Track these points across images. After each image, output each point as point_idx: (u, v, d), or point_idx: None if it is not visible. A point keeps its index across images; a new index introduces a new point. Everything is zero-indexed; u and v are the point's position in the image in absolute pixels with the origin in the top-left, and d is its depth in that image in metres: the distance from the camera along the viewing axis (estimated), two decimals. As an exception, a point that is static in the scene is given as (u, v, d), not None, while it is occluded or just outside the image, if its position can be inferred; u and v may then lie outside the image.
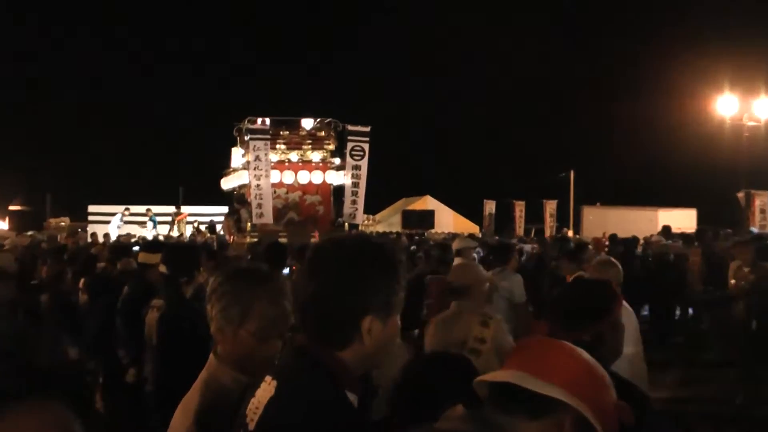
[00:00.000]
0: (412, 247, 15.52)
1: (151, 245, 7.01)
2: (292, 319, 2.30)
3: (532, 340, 1.77)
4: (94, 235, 22.11)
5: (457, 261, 9.44)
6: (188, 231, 26.46)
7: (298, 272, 1.90)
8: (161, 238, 22.70)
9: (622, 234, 17.05)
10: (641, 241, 16.49)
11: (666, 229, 16.45)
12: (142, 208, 27.36)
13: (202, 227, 25.98)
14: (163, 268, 5.06)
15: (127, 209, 26.94)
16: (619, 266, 5.46)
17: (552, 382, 1.56)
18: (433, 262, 8.99)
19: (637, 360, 4.53)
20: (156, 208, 29.68)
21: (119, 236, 22.60)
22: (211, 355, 2.43)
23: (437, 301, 7.34)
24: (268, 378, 1.84)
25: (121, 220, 26.38)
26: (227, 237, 20.48)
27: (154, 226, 25.93)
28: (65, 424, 1.12)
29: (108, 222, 27.04)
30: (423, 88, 56.82)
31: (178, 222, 27.18)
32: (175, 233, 26.09)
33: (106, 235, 22.33)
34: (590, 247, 10.53)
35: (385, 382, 2.33)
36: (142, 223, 26.87)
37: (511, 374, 1.59)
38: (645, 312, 13.79)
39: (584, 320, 2.68)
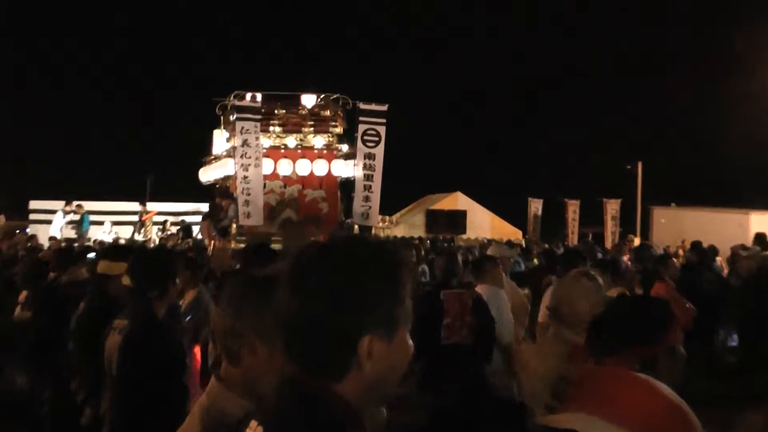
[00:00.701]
0: (430, 256, 15.44)
1: (114, 251, 6.95)
2: None
3: (601, 371, 1.80)
4: (33, 237, 22.08)
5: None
6: (155, 233, 26.50)
7: (279, 285, 1.87)
8: (122, 241, 22.72)
9: (705, 243, 16.92)
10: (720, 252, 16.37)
11: (760, 237, 16.32)
12: (96, 205, 27.39)
13: (174, 229, 26.00)
14: (127, 280, 5.01)
15: (68, 204, 26.88)
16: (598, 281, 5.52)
17: (627, 427, 1.58)
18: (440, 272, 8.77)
19: None
20: (117, 205, 29.74)
21: (52, 239, 22.52)
22: (213, 380, 2.51)
23: (457, 320, 7.51)
24: (253, 423, 1.84)
25: (65, 218, 26.38)
26: (206, 241, 20.46)
27: (85, 227, 25.74)
28: None
29: (47, 222, 27.11)
30: (452, 58, 56.77)
31: (145, 222, 27.24)
32: (140, 236, 26.14)
33: (52, 239, 22.36)
34: (674, 261, 10.44)
35: None
36: (98, 223, 26.90)
37: (577, 419, 1.61)
38: (733, 342, 13.64)
39: (631, 344, 2.76)
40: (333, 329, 1.75)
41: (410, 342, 1.87)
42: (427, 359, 6.83)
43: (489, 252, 10.26)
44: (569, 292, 4.80)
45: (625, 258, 15.87)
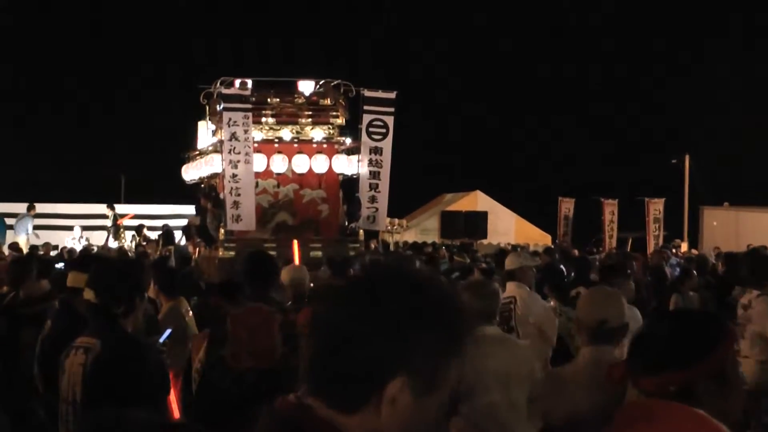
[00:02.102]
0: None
1: (84, 261, 6.96)
2: None
3: (652, 404, 1.78)
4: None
5: (510, 287, 9.47)
6: (129, 239, 26.52)
7: (325, 303, 1.92)
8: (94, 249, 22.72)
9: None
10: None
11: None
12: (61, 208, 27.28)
13: (153, 235, 25.96)
14: (89, 295, 4.99)
15: (32, 207, 26.96)
16: (498, 293, 6.15)
17: None
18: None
19: None
20: (87, 208, 29.73)
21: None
22: None
23: None
24: None
25: (32, 222, 26.47)
26: (190, 249, 20.43)
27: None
28: None
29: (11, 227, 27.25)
30: (470, 38, 56.68)
31: (120, 226, 27.25)
32: (113, 243, 26.15)
33: (13, 246, 22.39)
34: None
35: None
36: (66, 228, 26.91)
37: None
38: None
39: (667, 365, 2.77)
40: (369, 356, 1.77)
41: (440, 408, 1.86)
42: None
43: (507, 262, 10.22)
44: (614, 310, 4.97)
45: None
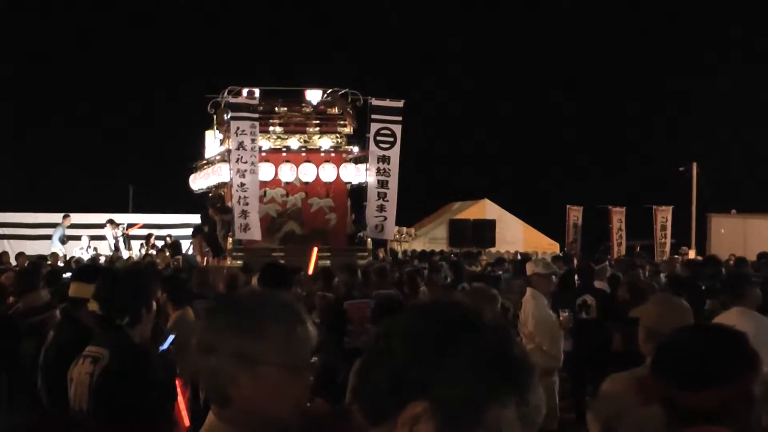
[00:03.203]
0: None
1: (86, 271, 6.87)
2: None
3: None
4: (4, 254, 22.26)
5: (528, 294, 9.51)
6: (138, 249, 26.50)
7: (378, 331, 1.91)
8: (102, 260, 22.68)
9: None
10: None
11: None
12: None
13: (159, 243, 25.92)
14: (94, 306, 4.92)
15: (66, 216, 27.10)
16: (497, 297, 6.47)
17: None
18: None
19: None
20: (94, 217, 29.73)
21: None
22: (210, 416, 2.51)
23: (359, 327, 9.18)
24: None
25: (64, 233, 26.54)
26: (198, 259, 20.37)
27: None
28: None
29: (20, 237, 27.30)
30: (476, 47, 56.66)
31: (127, 236, 27.20)
32: (124, 253, 26.11)
33: (20, 255, 22.39)
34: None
35: None
36: (75, 238, 26.93)
37: None
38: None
39: (703, 381, 2.76)
40: (396, 373, 1.72)
41: None
42: (330, 360, 7.88)
43: (527, 269, 10.31)
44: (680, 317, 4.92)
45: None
